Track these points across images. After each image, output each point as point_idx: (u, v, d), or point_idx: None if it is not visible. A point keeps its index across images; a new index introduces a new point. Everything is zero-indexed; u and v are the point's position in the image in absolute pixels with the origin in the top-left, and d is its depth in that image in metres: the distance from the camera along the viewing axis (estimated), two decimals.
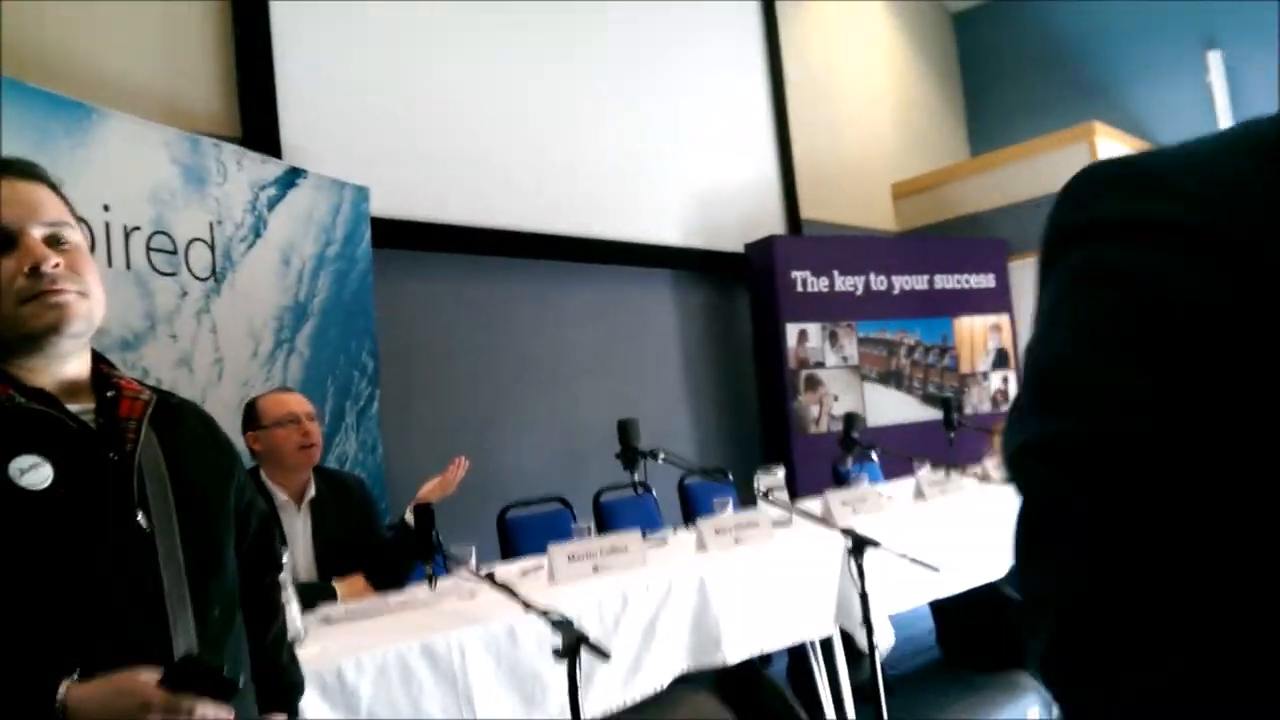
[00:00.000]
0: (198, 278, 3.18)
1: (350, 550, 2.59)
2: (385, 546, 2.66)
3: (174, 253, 3.11)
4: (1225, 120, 6.69)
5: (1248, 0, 6.32)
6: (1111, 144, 6.63)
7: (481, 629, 2.04)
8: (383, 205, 3.98)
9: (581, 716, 1.80)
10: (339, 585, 2.50)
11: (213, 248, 3.24)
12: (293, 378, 3.37)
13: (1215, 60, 6.78)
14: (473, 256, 4.59)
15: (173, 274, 3.09)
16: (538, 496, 3.73)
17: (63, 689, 0.94)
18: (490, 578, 2.16)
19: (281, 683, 1.34)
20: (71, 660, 0.97)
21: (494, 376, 4.66)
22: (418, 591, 2.41)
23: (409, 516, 2.62)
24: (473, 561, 2.36)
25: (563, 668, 2.04)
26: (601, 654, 1.71)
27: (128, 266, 2.95)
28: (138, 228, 2.99)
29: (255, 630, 1.27)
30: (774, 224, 6.14)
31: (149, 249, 3.03)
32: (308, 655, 1.75)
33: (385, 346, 3.91)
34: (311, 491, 2.62)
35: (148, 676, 0.97)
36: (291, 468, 2.58)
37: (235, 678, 1.00)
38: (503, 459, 4.48)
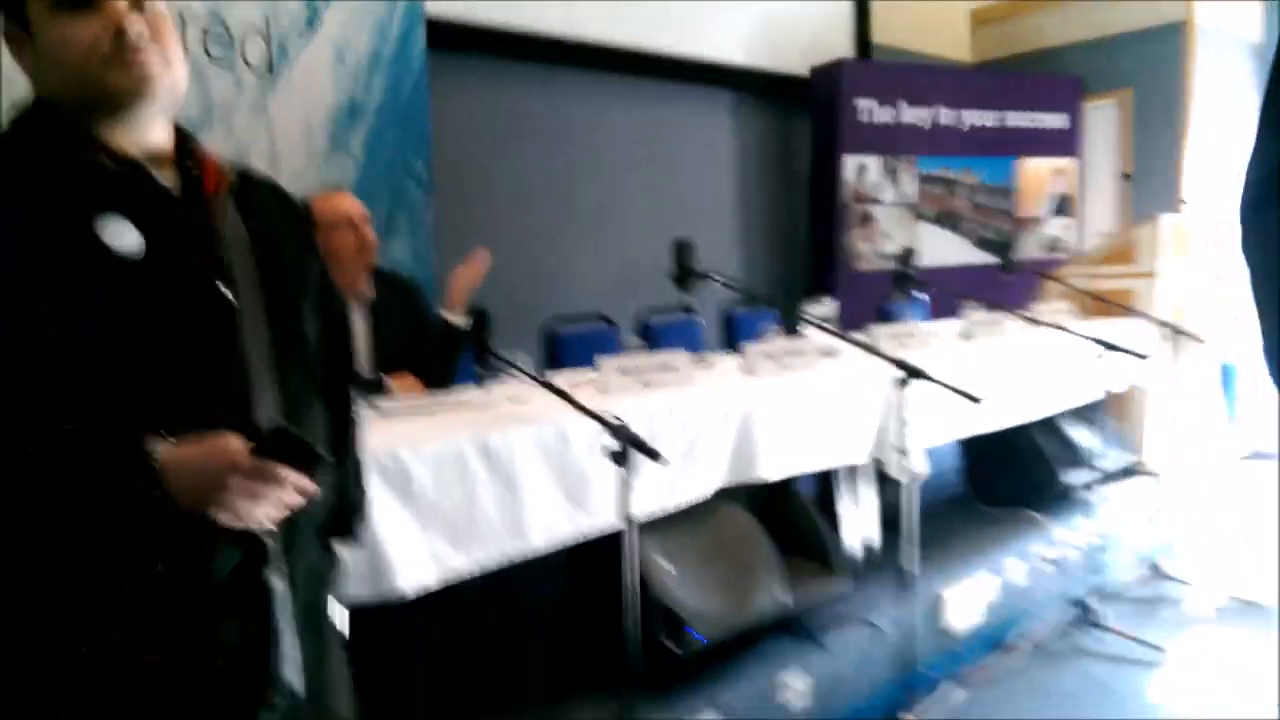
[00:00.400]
0: (254, 71, 3.12)
1: (406, 349, 2.66)
2: (437, 347, 2.73)
3: (230, 45, 3.04)
4: None
5: None
6: None
7: (534, 430, 2.12)
8: (439, 6, 3.83)
9: (630, 516, 1.90)
10: (393, 381, 2.59)
11: (268, 41, 3.16)
12: (346, 180, 3.36)
13: None
14: (531, 67, 4.45)
15: (229, 66, 3.04)
16: (584, 313, 3.78)
17: (156, 446, 0.97)
18: (544, 382, 2.22)
19: (348, 511, 1.33)
20: (159, 424, 0.99)
21: (547, 193, 4.62)
22: (470, 392, 2.48)
23: (450, 317, 2.67)
24: (525, 366, 2.42)
25: (609, 471, 2.13)
26: (654, 456, 1.77)
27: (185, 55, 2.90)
28: (192, 17, 2.92)
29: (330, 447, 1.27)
30: (843, 47, 5.83)
31: (205, 39, 2.97)
32: (368, 443, 1.84)
33: (440, 155, 3.86)
34: (369, 292, 2.67)
35: (238, 442, 0.99)
36: (348, 270, 2.62)
37: (320, 452, 1.03)
38: (552, 276, 4.51)
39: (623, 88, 4.85)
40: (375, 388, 2.46)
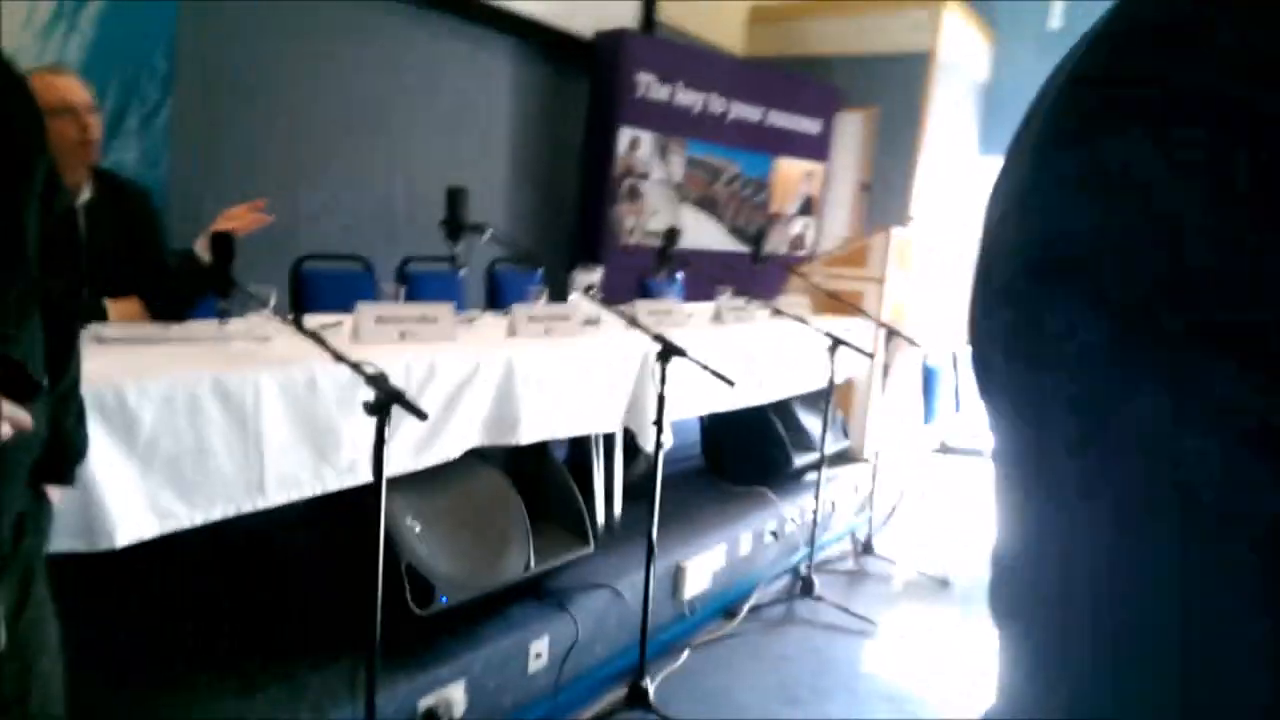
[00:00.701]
0: None
1: (127, 267, 2.34)
2: (169, 272, 2.43)
3: None
4: (1057, 16, 6.96)
5: None
6: (958, 19, 6.79)
7: (280, 373, 1.94)
8: None
9: (382, 472, 1.78)
10: (110, 305, 2.28)
11: None
12: (72, 61, 2.89)
13: None
14: None
15: None
16: (340, 253, 3.54)
17: None
18: (296, 323, 2.04)
19: (62, 447, 1.17)
20: None
21: (308, 114, 4.25)
22: (205, 326, 2.23)
23: (197, 247, 2.39)
24: (273, 304, 2.22)
25: (357, 424, 2.01)
26: (417, 412, 1.68)
27: None
28: None
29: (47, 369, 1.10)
30: (627, 17, 5.86)
31: None
32: (84, 371, 1.59)
33: (187, 50, 3.43)
34: (86, 193, 2.31)
35: None
36: (64, 166, 2.25)
37: (39, 379, 0.88)
38: (304, 206, 4.17)
39: (404, 15, 4.56)
40: (93, 311, 2.15)
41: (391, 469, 2.01)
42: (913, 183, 6.63)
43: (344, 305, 2.64)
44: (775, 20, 7.19)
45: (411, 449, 2.21)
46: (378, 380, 1.78)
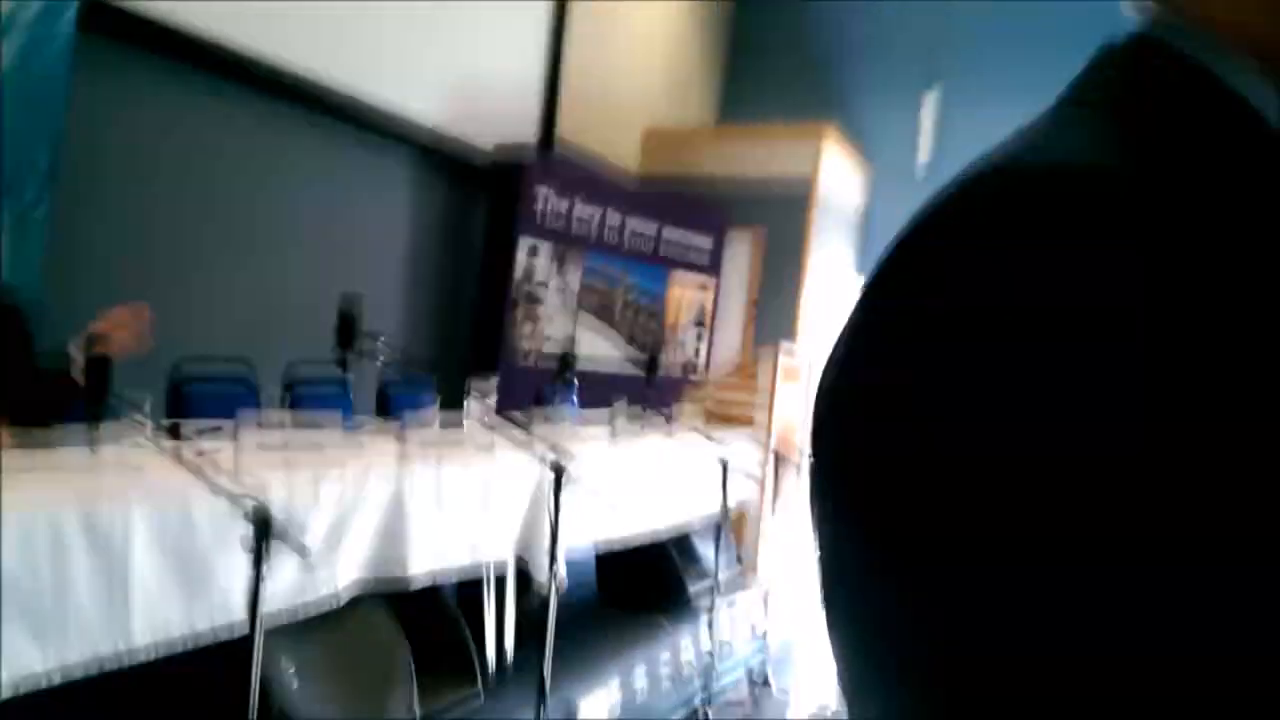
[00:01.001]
0: None
1: None
2: (37, 383, 2.28)
3: None
4: (924, 155, 7.48)
5: (975, 43, 7.12)
6: (836, 150, 7.22)
7: (153, 504, 1.82)
8: None
9: (260, 616, 1.68)
10: None
11: None
12: None
13: (931, 97, 7.52)
14: (203, 76, 4.00)
15: None
16: (221, 358, 3.39)
17: None
18: (174, 447, 1.93)
19: None
20: None
21: (193, 216, 4.12)
22: (74, 453, 2.09)
23: (73, 348, 2.26)
24: (149, 423, 2.10)
25: (234, 559, 1.89)
26: (300, 552, 1.60)
27: None
28: None
29: None
30: (527, 132, 5.99)
31: None
32: None
33: (73, 148, 3.30)
34: None
35: None
36: None
37: None
38: (183, 312, 3.99)
39: (301, 119, 4.53)
40: None
41: (272, 610, 1.89)
42: (799, 302, 6.90)
43: (225, 413, 2.51)
44: (669, 142, 7.50)
45: (291, 584, 2.09)
46: (258, 514, 1.70)
